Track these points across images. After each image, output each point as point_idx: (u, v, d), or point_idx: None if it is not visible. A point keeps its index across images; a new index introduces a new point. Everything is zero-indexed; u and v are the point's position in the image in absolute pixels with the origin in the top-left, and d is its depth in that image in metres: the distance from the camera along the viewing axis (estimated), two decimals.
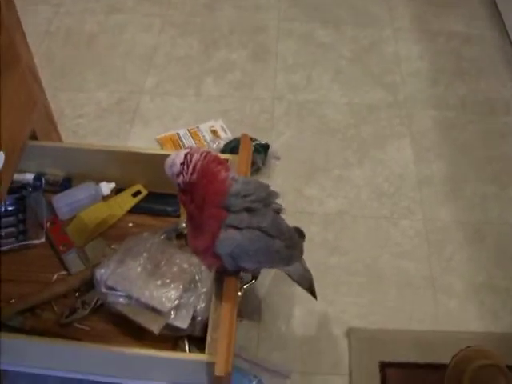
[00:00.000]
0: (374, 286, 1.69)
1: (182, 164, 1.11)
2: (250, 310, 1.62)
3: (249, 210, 1.16)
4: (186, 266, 1.41)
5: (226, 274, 1.30)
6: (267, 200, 1.21)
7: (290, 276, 1.42)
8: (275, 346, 1.57)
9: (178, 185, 1.14)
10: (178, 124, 2.07)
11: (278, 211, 1.26)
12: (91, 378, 1.34)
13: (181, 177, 1.12)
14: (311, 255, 1.71)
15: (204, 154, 1.13)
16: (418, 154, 2.00)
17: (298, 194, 1.88)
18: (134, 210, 1.62)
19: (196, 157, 1.11)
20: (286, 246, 1.27)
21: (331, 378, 1.53)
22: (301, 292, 1.65)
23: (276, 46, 2.35)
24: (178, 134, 2.01)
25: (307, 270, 1.46)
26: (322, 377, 1.53)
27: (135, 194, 1.62)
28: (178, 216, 1.59)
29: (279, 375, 1.51)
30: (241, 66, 2.28)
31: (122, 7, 2.49)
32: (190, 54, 2.31)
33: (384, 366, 1.55)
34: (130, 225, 1.61)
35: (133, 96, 2.16)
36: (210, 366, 1.18)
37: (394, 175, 1.94)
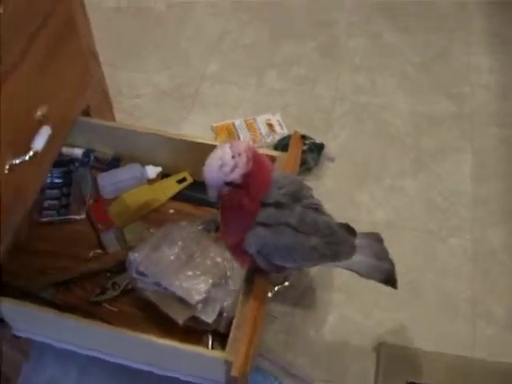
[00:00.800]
0: (412, 303, 1.65)
1: (233, 157, 1.06)
2: (282, 311, 1.60)
3: (276, 204, 1.14)
4: (219, 260, 1.40)
5: (259, 273, 1.29)
6: (297, 194, 1.18)
7: (355, 271, 1.36)
8: (303, 351, 1.55)
9: (228, 184, 1.08)
10: (235, 113, 2.06)
11: (315, 207, 1.22)
12: (112, 359, 1.36)
13: (236, 171, 1.06)
14: None
15: (247, 143, 1.11)
16: (477, 171, 1.93)
17: (348, 199, 1.85)
18: (177, 197, 1.63)
19: (243, 146, 1.08)
20: (327, 242, 1.23)
21: None
22: (336, 299, 1.63)
23: (344, 43, 2.31)
24: (233, 124, 2.00)
25: (383, 259, 1.38)
26: None
27: (180, 181, 1.63)
28: (219, 208, 1.58)
29: (302, 381, 1.49)
30: (306, 60, 2.25)
31: None
32: (257, 43, 2.30)
33: None
34: (171, 211, 1.61)
35: (193, 81, 2.16)
36: (228, 364, 1.18)
37: (448, 190, 1.88)
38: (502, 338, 1.59)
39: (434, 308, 1.64)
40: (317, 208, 1.24)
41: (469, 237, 1.78)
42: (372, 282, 1.44)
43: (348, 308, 1.63)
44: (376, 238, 1.41)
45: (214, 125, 2.01)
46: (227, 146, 1.07)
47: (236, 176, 1.06)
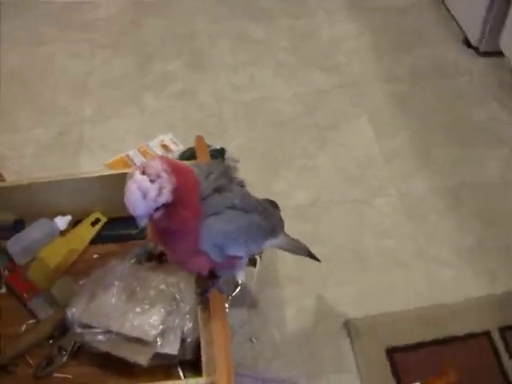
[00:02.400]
0: (362, 272, 1.57)
1: (153, 180, 0.91)
2: (238, 322, 1.48)
3: (217, 189, 1.04)
4: (163, 287, 1.27)
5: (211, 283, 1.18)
6: (229, 174, 1.09)
7: (284, 249, 1.34)
8: (273, 354, 1.44)
9: (158, 209, 0.93)
10: (125, 146, 1.91)
11: (242, 184, 1.16)
12: None
13: (164, 192, 0.92)
14: None
15: (156, 158, 0.96)
16: (378, 130, 1.90)
17: (266, 191, 1.74)
18: (96, 240, 1.48)
19: (155, 163, 0.93)
20: (264, 217, 1.15)
21: (339, 376, 1.40)
22: (288, 292, 1.53)
23: (211, 49, 2.23)
24: (127, 156, 1.86)
25: (295, 239, 1.35)
26: (330, 375, 1.40)
27: (94, 223, 1.48)
28: (144, 237, 1.45)
29: None
30: (179, 75, 2.15)
31: (47, 38, 2.34)
32: (126, 73, 2.18)
33: (391, 352, 1.43)
34: (95, 256, 1.46)
35: (72, 127, 2.01)
36: None
37: (357, 156, 1.83)
38: (458, 277, 1.54)
39: (385, 269, 1.57)
40: (243, 185, 1.17)
41: (393, 192, 1.73)
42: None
43: (301, 297, 1.53)
44: None
45: (106, 163, 1.86)
46: (137, 173, 0.92)
47: (166, 197, 0.93)
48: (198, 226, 1.01)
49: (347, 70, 2.09)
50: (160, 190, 0.91)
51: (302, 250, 1.36)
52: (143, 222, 0.96)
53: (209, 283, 1.21)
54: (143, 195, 0.91)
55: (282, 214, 1.29)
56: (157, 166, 0.93)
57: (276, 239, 1.26)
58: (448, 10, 2.26)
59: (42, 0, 2.53)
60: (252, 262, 1.55)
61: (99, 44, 2.30)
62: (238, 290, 1.30)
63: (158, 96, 2.08)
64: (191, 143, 1.85)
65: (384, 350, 1.43)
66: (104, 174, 1.41)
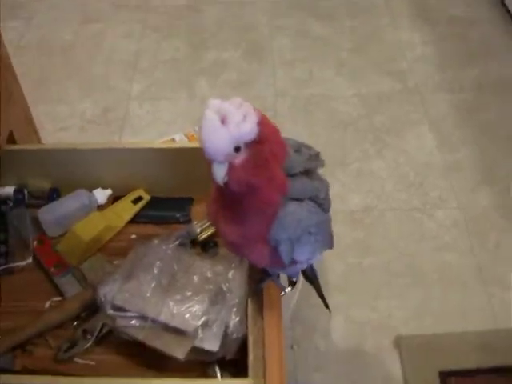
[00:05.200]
0: (417, 286, 1.39)
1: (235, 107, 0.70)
2: None
3: (307, 172, 0.83)
4: (209, 275, 1.09)
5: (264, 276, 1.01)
6: (319, 160, 0.88)
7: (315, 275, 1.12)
8: (315, 366, 1.26)
9: (239, 148, 0.71)
10: (172, 129, 1.75)
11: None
12: None
13: (249, 119, 0.70)
14: (342, 257, 1.43)
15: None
16: (441, 139, 1.72)
17: None
18: (136, 219, 1.30)
19: (235, 99, 0.72)
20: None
21: None
22: (335, 301, 1.34)
23: (270, 42, 2.07)
24: (173, 140, 1.70)
25: None
26: None
27: (136, 201, 1.31)
28: (189, 222, 1.28)
29: None
30: (235, 65, 1.99)
31: (98, 16, 2.21)
32: (177, 57, 2.02)
33: (444, 376, 1.25)
34: (133, 236, 1.28)
35: (119, 104, 1.85)
36: None
37: (418, 164, 1.66)
38: None
39: (441, 285, 1.40)
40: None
41: (455, 205, 1.55)
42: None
43: (349, 307, 1.35)
44: None
45: None
46: (215, 100, 0.71)
47: (251, 127, 0.70)
48: (277, 209, 0.80)
49: (410, 77, 1.92)
50: (245, 116, 0.70)
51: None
52: (221, 172, 0.72)
53: (263, 274, 1.04)
54: (222, 118, 0.69)
55: (335, 219, 1.09)
56: (238, 100, 0.72)
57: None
58: None
59: None
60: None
61: (151, 26, 2.16)
62: (289, 289, 1.12)
63: (210, 83, 1.92)
64: None
65: (437, 372, 1.25)
66: (153, 146, 1.25)
